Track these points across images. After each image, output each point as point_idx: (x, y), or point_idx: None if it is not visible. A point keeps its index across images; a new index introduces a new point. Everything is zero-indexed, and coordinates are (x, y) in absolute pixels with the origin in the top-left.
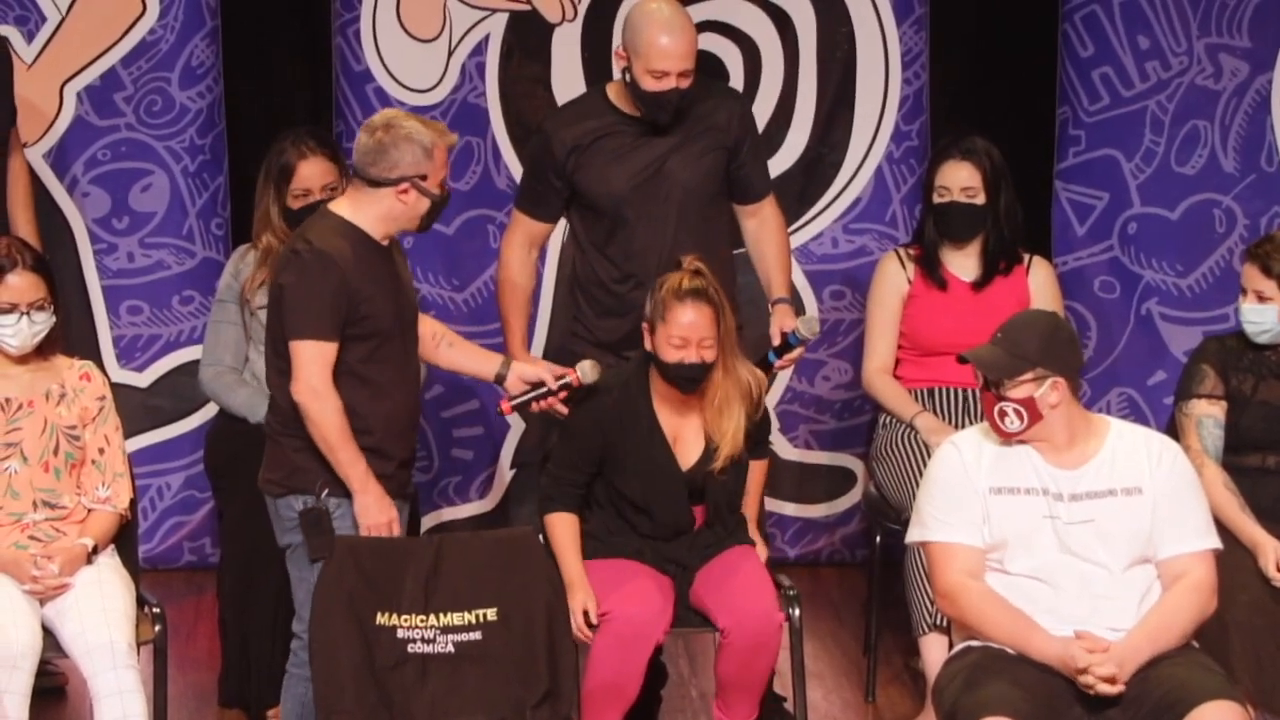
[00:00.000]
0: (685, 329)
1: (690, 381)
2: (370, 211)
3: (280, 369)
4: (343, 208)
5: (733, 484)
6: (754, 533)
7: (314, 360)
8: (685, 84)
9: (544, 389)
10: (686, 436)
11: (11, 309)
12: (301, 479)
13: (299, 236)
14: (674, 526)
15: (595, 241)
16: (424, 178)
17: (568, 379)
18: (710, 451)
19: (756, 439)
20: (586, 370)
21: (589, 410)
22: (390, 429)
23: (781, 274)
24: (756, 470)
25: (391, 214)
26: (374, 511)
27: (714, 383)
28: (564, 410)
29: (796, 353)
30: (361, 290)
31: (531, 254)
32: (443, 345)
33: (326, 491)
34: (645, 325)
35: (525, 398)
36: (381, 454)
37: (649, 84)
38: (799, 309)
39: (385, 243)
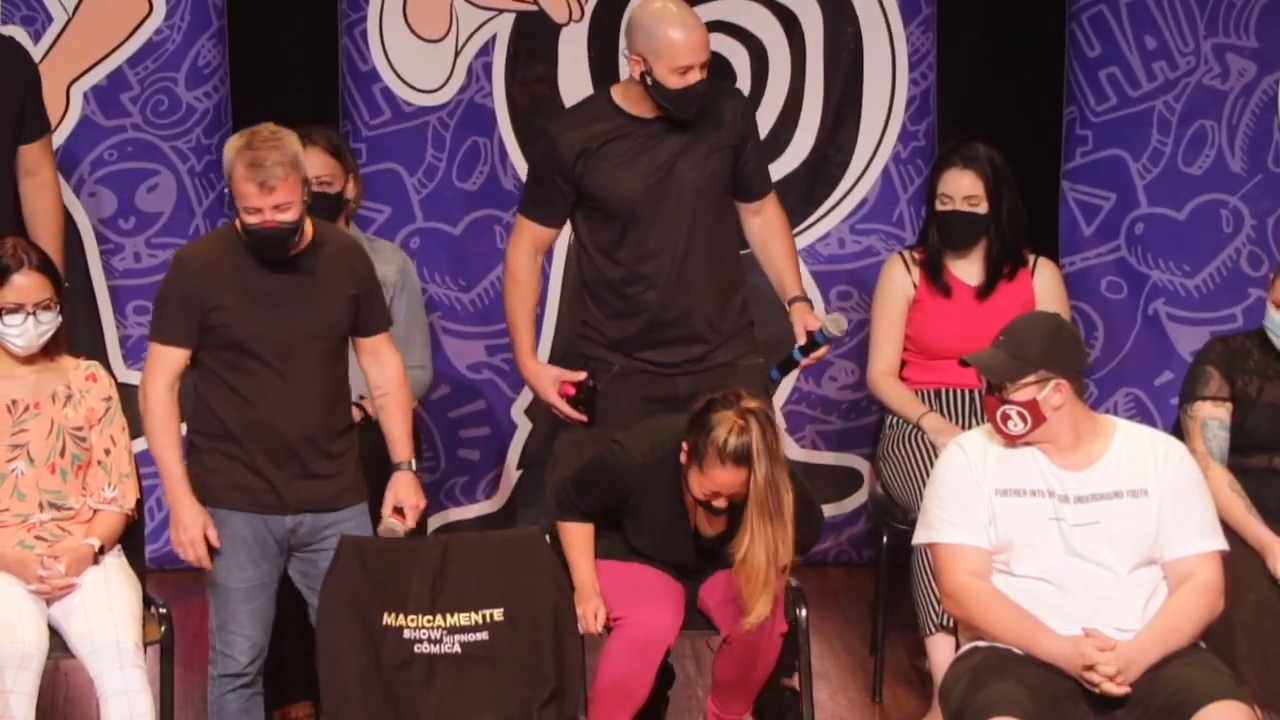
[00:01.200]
0: (720, 486)
1: (714, 513)
2: None
3: None
4: None
5: None
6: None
7: (150, 361)
8: (705, 73)
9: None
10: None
11: (17, 309)
12: None
13: None
14: (681, 569)
15: (603, 245)
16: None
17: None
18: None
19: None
20: None
21: (615, 469)
22: (260, 443)
23: (793, 271)
24: None
25: None
26: (177, 524)
27: (740, 543)
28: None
29: (822, 350)
30: (214, 299)
31: (537, 259)
32: (377, 400)
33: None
34: (685, 446)
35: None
36: (252, 468)
37: (675, 81)
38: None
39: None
